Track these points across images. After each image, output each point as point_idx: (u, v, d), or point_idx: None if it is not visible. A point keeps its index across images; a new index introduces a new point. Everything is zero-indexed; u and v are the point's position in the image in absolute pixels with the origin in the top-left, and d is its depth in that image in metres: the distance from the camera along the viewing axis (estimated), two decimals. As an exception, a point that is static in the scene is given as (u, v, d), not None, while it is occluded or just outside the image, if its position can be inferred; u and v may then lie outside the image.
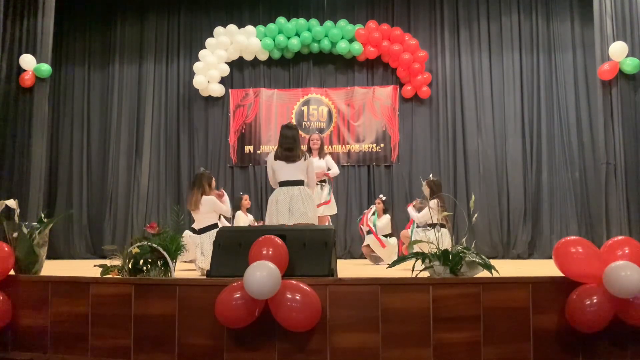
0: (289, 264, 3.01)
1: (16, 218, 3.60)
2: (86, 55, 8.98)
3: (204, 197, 5.15)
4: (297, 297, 2.81)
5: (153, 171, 8.75)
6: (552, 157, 8.17)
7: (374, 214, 6.81)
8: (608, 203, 6.44)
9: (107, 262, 3.36)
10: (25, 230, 3.52)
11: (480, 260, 2.99)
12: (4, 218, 3.56)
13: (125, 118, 8.82)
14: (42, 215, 3.77)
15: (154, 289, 3.10)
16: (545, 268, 4.64)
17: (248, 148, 8.67)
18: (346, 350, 2.90)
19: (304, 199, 4.52)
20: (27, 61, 7.01)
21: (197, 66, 8.51)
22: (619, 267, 2.65)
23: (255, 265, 2.77)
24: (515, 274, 3.41)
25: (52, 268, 3.98)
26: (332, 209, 6.14)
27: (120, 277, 3.24)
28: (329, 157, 6.23)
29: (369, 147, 8.53)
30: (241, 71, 8.90)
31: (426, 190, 5.87)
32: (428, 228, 5.76)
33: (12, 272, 3.40)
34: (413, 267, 3.07)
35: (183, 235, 5.61)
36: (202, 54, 8.53)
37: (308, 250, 3.18)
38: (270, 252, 2.89)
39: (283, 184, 4.60)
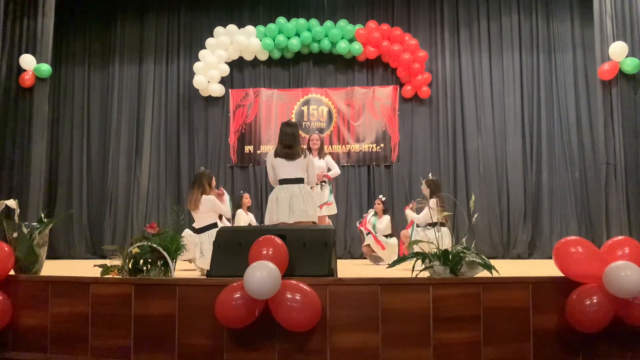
0: (289, 264, 3.01)
1: (16, 218, 3.60)
2: (86, 55, 8.98)
3: (203, 196, 5.14)
4: (297, 297, 2.80)
5: (153, 171, 8.75)
6: (552, 157, 8.17)
7: (374, 214, 6.81)
8: (608, 203, 6.44)
9: (107, 262, 3.35)
10: (25, 230, 3.52)
11: (480, 260, 2.99)
12: (4, 218, 3.56)
13: (125, 118, 8.82)
14: (42, 215, 3.77)
15: (154, 289, 3.10)
16: (545, 268, 4.64)
17: (248, 148, 8.67)
18: (346, 350, 2.90)
19: (304, 196, 4.49)
20: (27, 61, 7.01)
21: (197, 66, 8.51)
22: (619, 267, 2.65)
23: (255, 265, 2.77)
24: (515, 274, 3.41)
25: (52, 268, 3.98)
26: (332, 209, 6.14)
27: (120, 277, 3.24)
28: (329, 157, 6.23)
29: (369, 147, 8.53)
30: (241, 71, 8.90)
31: (425, 190, 5.88)
32: (428, 227, 5.76)
33: (12, 272, 3.40)
34: (413, 267, 3.07)
35: (183, 234, 5.63)
36: (202, 54, 8.53)
37: (308, 250, 3.18)
38: (270, 252, 2.89)
39: (283, 181, 4.56)
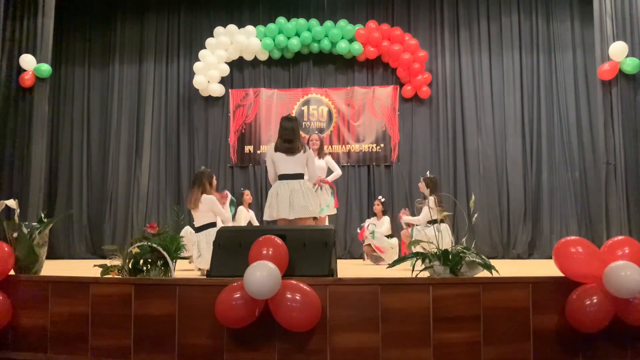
0: (289, 264, 3.01)
1: (16, 218, 3.60)
2: (86, 55, 8.98)
3: (204, 195, 5.11)
4: (297, 297, 2.80)
5: (153, 171, 8.76)
6: (552, 157, 8.17)
7: (372, 225, 6.81)
8: (608, 203, 6.44)
9: (107, 262, 3.35)
10: (25, 230, 3.52)
11: (480, 260, 2.99)
12: (4, 218, 3.56)
13: (125, 118, 8.82)
14: (42, 215, 3.77)
15: (154, 289, 3.10)
16: (545, 268, 4.64)
17: (248, 148, 8.67)
18: (346, 350, 2.90)
19: (304, 192, 4.47)
20: (27, 61, 7.02)
21: (197, 66, 8.51)
22: (619, 267, 2.65)
23: (255, 265, 2.77)
24: (515, 274, 3.41)
25: (52, 268, 3.98)
26: (331, 209, 6.13)
27: (120, 277, 3.24)
28: (329, 157, 6.22)
29: (369, 147, 8.53)
30: (241, 71, 8.90)
31: (423, 188, 5.89)
32: (428, 225, 5.76)
33: (12, 272, 3.40)
34: (413, 267, 3.07)
35: (184, 230, 5.61)
36: (202, 54, 8.54)
37: (308, 250, 3.17)
38: (270, 252, 2.89)
39: (283, 177, 4.52)
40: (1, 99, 6.92)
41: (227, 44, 8.54)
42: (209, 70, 8.51)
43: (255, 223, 7.08)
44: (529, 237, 8.04)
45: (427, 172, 6.33)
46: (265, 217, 4.59)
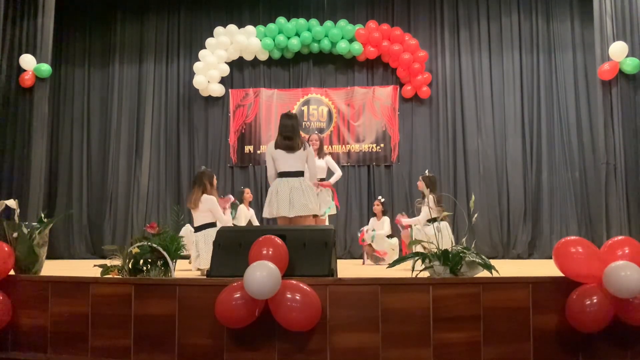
0: (289, 264, 3.01)
1: (16, 218, 3.60)
2: (86, 55, 8.98)
3: (204, 195, 5.10)
4: (297, 297, 2.80)
5: (153, 171, 8.76)
6: (552, 157, 8.17)
7: (373, 230, 6.81)
8: (608, 203, 6.44)
9: (107, 262, 3.35)
10: (25, 230, 3.52)
11: (480, 260, 2.99)
12: (4, 218, 3.56)
13: (125, 118, 8.82)
14: (42, 215, 3.77)
15: (154, 289, 3.10)
16: (545, 268, 4.64)
17: (248, 148, 8.67)
18: (346, 350, 2.90)
19: (304, 190, 4.45)
20: (27, 61, 7.02)
21: (197, 66, 8.51)
22: (619, 267, 2.65)
23: (255, 265, 2.77)
24: (515, 274, 3.41)
25: (52, 268, 3.98)
26: (333, 210, 6.13)
27: (120, 277, 3.24)
28: (329, 158, 6.22)
29: (369, 147, 8.53)
30: (241, 71, 8.90)
31: (421, 186, 5.88)
32: (427, 224, 5.74)
33: (12, 272, 3.40)
34: (413, 267, 3.07)
35: (184, 228, 5.59)
36: (202, 54, 8.54)
37: (308, 250, 3.18)
38: (270, 252, 2.89)
39: (283, 174, 4.51)
40: (1, 99, 6.92)
41: (227, 44, 8.54)
42: (209, 70, 8.51)
43: (255, 222, 7.07)
44: (529, 237, 8.04)
45: (426, 171, 6.32)
46: (265, 215, 4.57)
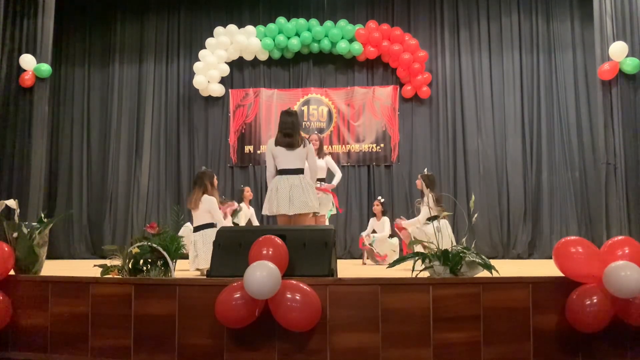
0: (289, 264, 3.01)
1: (16, 218, 3.60)
2: (86, 55, 8.98)
3: (204, 195, 5.09)
4: (297, 297, 2.81)
5: (153, 171, 8.76)
6: (552, 157, 8.17)
7: (373, 232, 6.81)
8: (608, 203, 6.44)
9: (107, 262, 3.35)
10: (25, 230, 3.52)
11: (480, 260, 2.99)
12: (4, 218, 3.56)
13: (125, 118, 8.82)
14: (42, 215, 3.77)
15: (154, 289, 3.10)
16: (545, 268, 4.64)
17: (248, 148, 8.67)
18: (346, 350, 2.90)
19: (304, 188, 4.44)
20: (27, 61, 7.01)
21: (197, 66, 8.51)
22: (619, 267, 2.65)
23: (255, 265, 2.77)
24: (515, 274, 3.41)
25: (52, 268, 3.99)
26: (332, 211, 6.13)
27: (120, 277, 3.24)
28: (328, 158, 6.21)
29: (369, 147, 8.53)
30: (241, 71, 8.90)
31: (420, 185, 5.87)
32: (427, 222, 5.73)
33: (12, 272, 3.40)
34: (413, 267, 3.07)
35: (184, 226, 5.58)
36: (202, 54, 8.54)
37: (308, 250, 3.18)
38: (270, 252, 2.89)
39: (283, 172, 4.49)
40: (1, 99, 6.92)
41: (227, 44, 8.54)
42: (209, 70, 8.51)
43: (255, 222, 7.06)
44: (529, 237, 8.03)
45: (425, 170, 6.31)
46: (265, 212, 4.57)
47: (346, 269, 5.34)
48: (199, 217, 5.12)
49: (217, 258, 3.31)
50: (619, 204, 6.31)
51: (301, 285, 2.86)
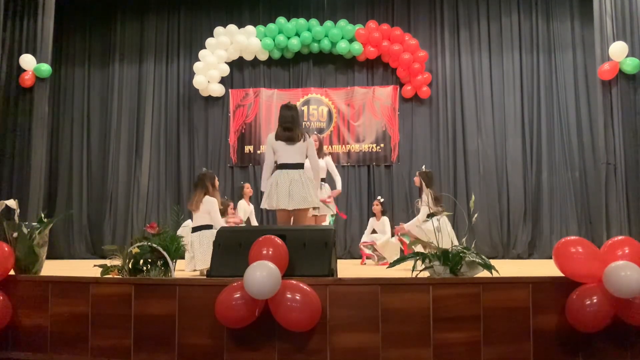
0: (289, 264, 3.01)
1: (16, 218, 3.60)
2: (86, 55, 8.98)
3: (206, 196, 5.08)
4: (297, 297, 2.81)
5: (153, 171, 8.75)
6: (552, 157, 8.17)
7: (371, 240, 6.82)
8: (608, 203, 6.44)
9: (107, 262, 3.35)
10: (25, 230, 3.52)
11: (480, 260, 2.99)
12: (4, 218, 3.56)
13: (125, 118, 8.82)
14: (42, 215, 3.77)
15: (154, 289, 3.11)
16: (545, 268, 4.64)
17: (248, 148, 8.67)
18: (346, 350, 2.90)
19: (304, 182, 4.44)
20: (27, 61, 7.02)
21: (197, 66, 8.51)
22: (619, 267, 2.65)
23: (255, 265, 2.77)
24: (515, 274, 3.42)
25: (52, 268, 3.98)
26: (331, 208, 6.12)
27: (120, 277, 3.24)
28: (328, 158, 6.21)
29: (369, 147, 8.53)
30: (241, 71, 8.90)
31: (418, 182, 5.88)
32: (426, 219, 5.71)
33: (12, 272, 3.40)
34: (413, 267, 3.07)
35: (184, 224, 5.57)
36: (202, 54, 8.54)
37: (308, 250, 3.18)
38: (270, 252, 2.89)
39: (283, 166, 4.49)
40: (1, 99, 6.92)
41: (227, 44, 8.54)
42: (209, 70, 8.51)
43: (254, 221, 7.04)
44: (529, 237, 8.03)
45: (423, 167, 6.30)
46: (264, 206, 4.57)
47: (346, 269, 5.34)
48: (199, 218, 5.11)
49: (217, 258, 3.31)
50: (619, 204, 6.31)
51: (301, 285, 2.86)
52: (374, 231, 6.92)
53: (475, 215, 3.66)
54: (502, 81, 8.39)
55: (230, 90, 8.79)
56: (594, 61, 6.94)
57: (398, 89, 8.56)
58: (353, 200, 8.47)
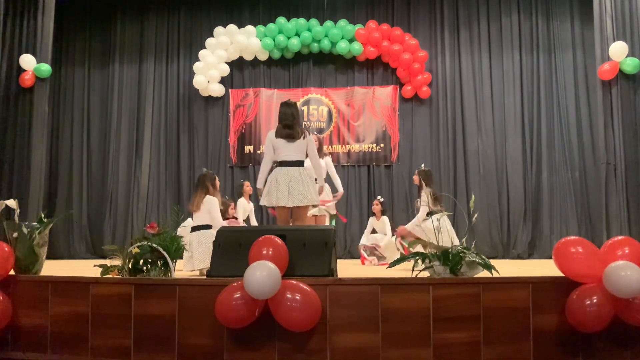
0: (289, 264, 3.01)
1: (16, 218, 3.60)
2: (86, 55, 8.98)
3: (207, 196, 5.08)
4: (297, 297, 2.81)
5: (153, 171, 8.75)
6: (552, 157, 8.17)
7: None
8: (608, 203, 6.44)
9: (107, 262, 3.35)
10: (25, 230, 3.52)
11: (480, 260, 2.99)
12: (4, 218, 3.56)
13: (125, 118, 8.82)
14: (42, 215, 3.77)
15: (154, 289, 3.10)
16: (545, 268, 4.64)
17: (248, 148, 8.67)
18: (346, 350, 2.90)
19: (303, 180, 4.45)
20: (27, 61, 7.02)
21: (197, 66, 8.51)
22: (619, 267, 2.65)
23: (255, 265, 2.77)
24: (515, 274, 3.41)
25: (52, 268, 3.98)
26: (331, 208, 6.13)
27: (120, 277, 3.24)
28: (328, 159, 6.21)
29: (369, 147, 8.53)
30: (241, 71, 8.90)
31: (417, 180, 5.88)
32: (426, 218, 5.71)
33: (12, 272, 3.40)
34: (413, 267, 3.07)
35: (184, 224, 5.57)
36: (202, 54, 8.53)
37: (308, 250, 3.18)
38: (270, 252, 2.89)
39: (282, 163, 4.51)
40: (1, 99, 6.92)
41: (227, 44, 8.54)
42: (209, 70, 8.51)
43: (253, 221, 7.03)
44: (529, 237, 8.03)
45: (422, 165, 6.30)
46: (263, 203, 4.57)
47: (346, 269, 5.34)
48: (199, 218, 5.10)
49: (217, 258, 3.31)
50: (619, 204, 6.31)
51: (301, 285, 2.86)
52: (373, 231, 6.92)
53: (475, 215, 3.66)
54: (502, 81, 8.38)
55: (230, 90, 8.79)
56: (594, 61, 6.94)
57: (398, 89, 8.56)
58: (353, 200, 8.47)
